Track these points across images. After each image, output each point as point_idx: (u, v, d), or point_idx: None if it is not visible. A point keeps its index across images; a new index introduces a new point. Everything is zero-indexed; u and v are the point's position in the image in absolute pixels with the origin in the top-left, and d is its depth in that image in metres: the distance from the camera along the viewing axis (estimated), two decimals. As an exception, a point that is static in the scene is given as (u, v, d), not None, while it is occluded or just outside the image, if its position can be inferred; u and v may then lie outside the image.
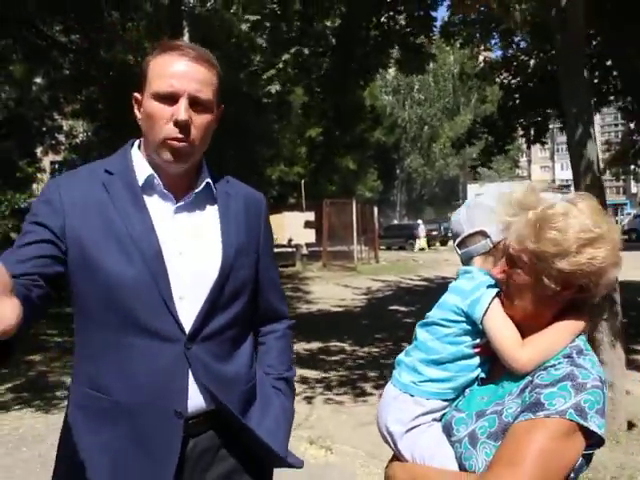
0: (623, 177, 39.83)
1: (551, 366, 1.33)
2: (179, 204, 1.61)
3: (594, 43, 10.29)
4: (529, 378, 1.35)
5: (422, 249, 32.80)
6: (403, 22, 8.74)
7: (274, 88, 8.65)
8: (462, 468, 1.35)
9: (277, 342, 1.84)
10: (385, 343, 8.99)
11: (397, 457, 1.51)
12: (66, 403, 1.64)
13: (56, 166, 33.27)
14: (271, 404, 1.71)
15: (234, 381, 1.62)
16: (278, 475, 1.78)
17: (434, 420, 1.48)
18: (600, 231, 1.30)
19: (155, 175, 1.58)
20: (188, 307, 1.55)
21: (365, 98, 12.09)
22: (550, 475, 1.22)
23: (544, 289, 1.33)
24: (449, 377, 1.48)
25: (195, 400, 1.54)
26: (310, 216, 27.71)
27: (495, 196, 1.58)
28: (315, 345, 8.86)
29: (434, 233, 35.86)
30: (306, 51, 8.39)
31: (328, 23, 9.06)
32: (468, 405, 1.44)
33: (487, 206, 1.58)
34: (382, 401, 1.57)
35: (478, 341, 1.47)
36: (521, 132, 13.36)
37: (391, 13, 8.60)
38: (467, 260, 1.61)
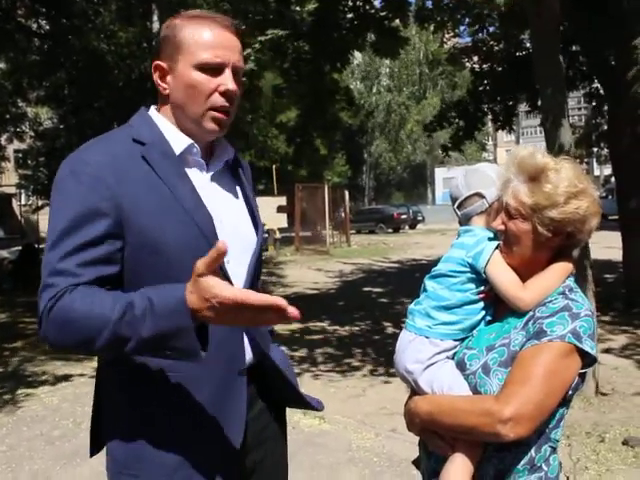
0: (586, 160, 40.69)
1: (549, 302, 1.56)
2: (213, 172, 1.63)
3: (561, 28, 10.56)
4: (531, 313, 1.57)
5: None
6: (378, 6, 8.87)
7: (248, 67, 8.64)
8: (478, 395, 1.56)
9: None
10: (365, 322, 9.22)
11: (415, 394, 1.70)
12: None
13: (20, 154, 32.62)
14: (277, 352, 1.77)
15: (267, 335, 1.74)
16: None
17: (448, 358, 1.68)
18: (583, 186, 1.55)
19: (196, 145, 1.56)
20: (235, 270, 1.58)
21: (339, 81, 12.17)
22: (554, 389, 1.47)
23: (539, 236, 1.56)
24: (459, 320, 1.68)
25: (249, 355, 1.61)
26: (282, 201, 27.72)
27: (490, 166, 1.83)
28: (295, 326, 8.98)
29: (403, 217, 36.24)
30: (282, 34, 8.45)
31: (305, 7, 9.13)
32: (478, 342, 1.64)
33: (482, 172, 1.82)
34: (399, 346, 1.75)
35: (482, 288, 1.68)
36: (491, 117, 13.66)
37: (366, -3, 8.73)
38: (466, 220, 1.82)
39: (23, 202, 30.75)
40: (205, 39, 1.50)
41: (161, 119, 1.59)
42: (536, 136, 60.47)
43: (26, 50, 15.20)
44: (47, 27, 14.91)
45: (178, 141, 1.56)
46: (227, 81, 1.51)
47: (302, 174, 27.36)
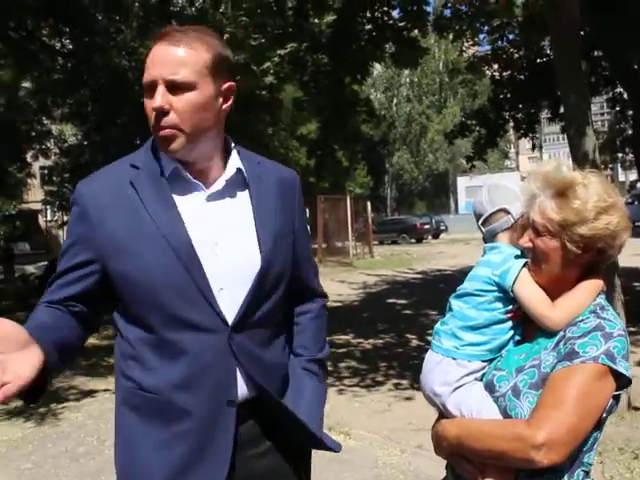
0: (611, 166, 40.18)
1: (580, 321, 1.50)
2: (210, 192, 1.57)
3: (582, 34, 10.46)
4: (561, 333, 1.51)
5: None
6: (396, 16, 8.86)
7: (269, 80, 8.69)
8: (508, 418, 1.50)
9: (312, 322, 1.80)
10: (389, 334, 9.13)
11: (443, 417, 1.64)
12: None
13: (46, 171, 33.12)
14: (304, 387, 1.69)
15: (275, 367, 1.64)
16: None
17: (476, 380, 1.62)
18: (613, 200, 1.49)
19: (180, 167, 1.54)
20: (229, 297, 1.53)
21: (359, 92, 12.19)
22: (588, 413, 1.40)
23: (568, 253, 1.50)
24: (486, 340, 1.63)
25: (242, 388, 1.55)
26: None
27: (512, 179, 1.78)
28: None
29: (426, 227, 36.08)
30: (302, 46, 8.46)
31: (323, 19, 9.15)
32: (507, 363, 1.58)
33: (506, 187, 1.76)
34: (425, 368, 1.70)
35: (510, 307, 1.62)
36: (512, 124, 13.55)
37: (385, 8, 8.72)
38: (491, 237, 1.76)
39: (49, 218, 31.26)
40: (148, 59, 1.51)
41: None
42: (558, 143, 59.88)
43: (50, 69, 15.46)
44: (70, 46, 15.14)
45: (167, 164, 1.56)
46: (154, 99, 1.48)
47: (324, 186, 27.36)
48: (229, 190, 1.60)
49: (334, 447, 1.71)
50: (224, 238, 1.56)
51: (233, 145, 1.67)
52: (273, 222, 1.63)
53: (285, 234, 1.66)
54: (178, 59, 1.47)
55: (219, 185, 1.59)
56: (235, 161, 1.63)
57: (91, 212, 1.52)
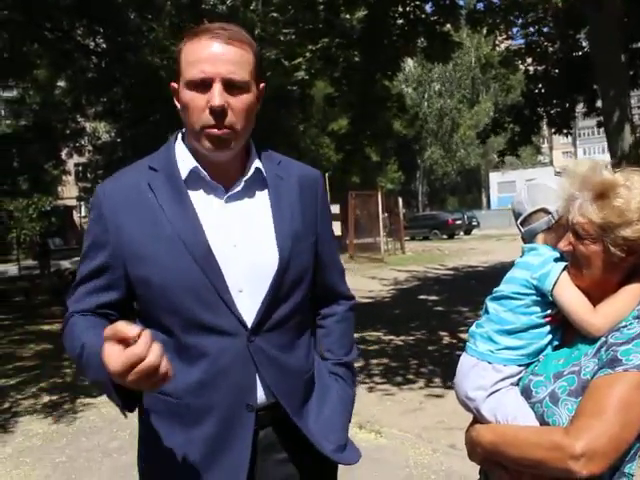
0: (648, 161, 39.35)
1: (623, 327, 1.43)
2: (229, 194, 1.55)
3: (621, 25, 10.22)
4: (603, 339, 1.45)
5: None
6: (429, 10, 8.75)
7: (300, 75, 8.65)
8: (545, 425, 1.45)
9: (337, 325, 1.77)
10: (421, 331, 9.05)
11: (477, 421, 1.60)
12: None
13: (80, 168, 33.68)
14: (329, 392, 1.67)
15: (297, 371, 1.60)
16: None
17: (512, 384, 1.58)
18: None
19: (199, 167, 1.52)
20: (248, 300, 1.51)
21: (390, 88, 12.09)
22: (630, 423, 1.34)
23: (611, 257, 1.44)
24: (523, 345, 1.58)
25: (261, 393, 1.53)
26: (335, 209, 27.73)
27: (552, 177, 1.72)
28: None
29: (458, 222, 35.77)
30: (333, 42, 8.42)
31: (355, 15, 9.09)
32: (545, 369, 1.53)
33: (546, 186, 1.71)
34: (459, 371, 1.66)
35: (549, 312, 1.57)
36: (547, 120, 13.31)
37: (417, 2, 8.61)
38: (530, 237, 1.71)
39: (83, 214, 31.76)
40: (193, 55, 1.45)
41: (180, 144, 1.59)
42: (593, 137, 58.88)
43: (84, 68, 15.70)
44: (104, 45, 15.35)
45: (185, 165, 1.54)
46: (213, 97, 1.43)
47: (355, 181, 27.32)
48: (248, 191, 1.58)
49: (350, 460, 1.65)
50: (243, 240, 1.53)
51: (253, 145, 1.64)
52: (292, 223, 1.59)
53: (306, 235, 1.62)
54: (233, 58, 1.45)
55: (238, 186, 1.56)
56: (255, 161, 1.59)
57: (107, 215, 1.51)
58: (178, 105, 1.52)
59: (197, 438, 1.49)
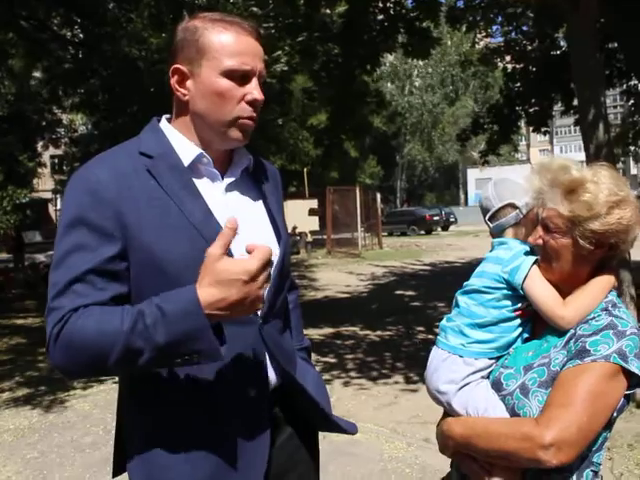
0: (622, 159, 39.82)
1: (591, 319, 1.47)
2: (229, 182, 1.54)
3: (597, 25, 10.33)
4: (572, 331, 1.47)
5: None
6: (409, 6, 8.76)
7: (280, 67, 8.60)
8: (515, 417, 1.47)
9: (293, 312, 1.81)
10: (397, 326, 9.11)
11: (448, 415, 1.61)
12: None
13: (56, 160, 33.25)
14: (308, 373, 1.71)
15: (292, 353, 1.67)
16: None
17: (482, 378, 1.59)
18: (624, 194, 1.45)
19: (205, 153, 1.49)
20: None
21: (369, 83, 12.11)
22: (599, 413, 1.37)
23: (580, 250, 1.46)
24: (494, 338, 1.59)
25: (272, 376, 1.54)
26: (313, 204, 27.73)
27: (520, 173, 1.72)
28: (327, 331, 8.97)
29: (436, 218, 35.96)
30: (312, 36, 8.39)
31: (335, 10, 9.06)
32: (515, 361, 1.55)
33: (512, 181, 1.72)
34: (430, 365, 1.67)
35: (519, 305, 1.58)
36: (525, 119, 13.44)
37: (397, -2, 8.63)
38: (499, 232, 1.72)
39: (59, 207, 31.32)
40: (232, 45, 1.44)
41: (171, 130, 1.53)
42: (570, 135, 59.61)
43: (61, 59, 15.47)
44: (81, 35, 15.14)
45: (187, 152, 1.49)
46: (254, 90, 1.46)
47: (334, 176, 27.34)
48: (246, 179, 1.60)
49: (351, 430, 1.75)
50: (244, 229, 1.46)
51: None
52: (279, 212, 1.66)
53: (285, 224, 1.71)
54: (260, 52, 1.49)
55: (235, 175, 1.56)
56: (245, 151, 1.61)
57: (108, 202, 1.38)
58: (181, 89, 1.48)
59: (216, 427, 1.45)
